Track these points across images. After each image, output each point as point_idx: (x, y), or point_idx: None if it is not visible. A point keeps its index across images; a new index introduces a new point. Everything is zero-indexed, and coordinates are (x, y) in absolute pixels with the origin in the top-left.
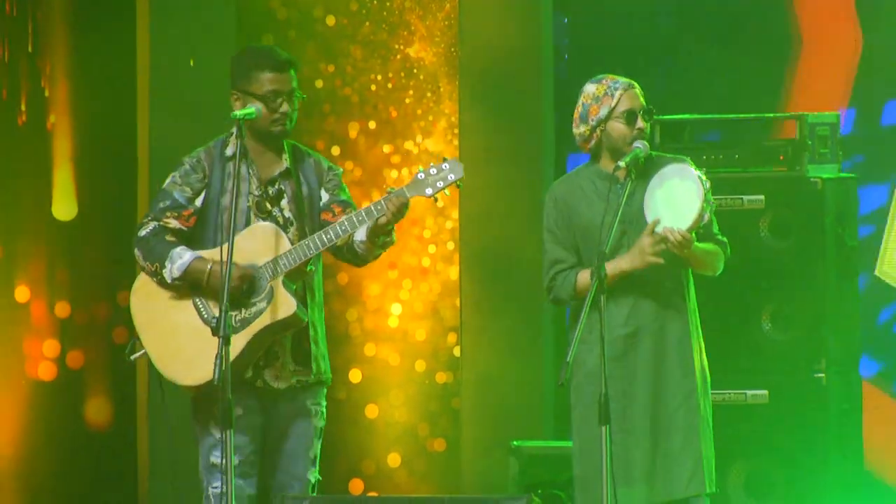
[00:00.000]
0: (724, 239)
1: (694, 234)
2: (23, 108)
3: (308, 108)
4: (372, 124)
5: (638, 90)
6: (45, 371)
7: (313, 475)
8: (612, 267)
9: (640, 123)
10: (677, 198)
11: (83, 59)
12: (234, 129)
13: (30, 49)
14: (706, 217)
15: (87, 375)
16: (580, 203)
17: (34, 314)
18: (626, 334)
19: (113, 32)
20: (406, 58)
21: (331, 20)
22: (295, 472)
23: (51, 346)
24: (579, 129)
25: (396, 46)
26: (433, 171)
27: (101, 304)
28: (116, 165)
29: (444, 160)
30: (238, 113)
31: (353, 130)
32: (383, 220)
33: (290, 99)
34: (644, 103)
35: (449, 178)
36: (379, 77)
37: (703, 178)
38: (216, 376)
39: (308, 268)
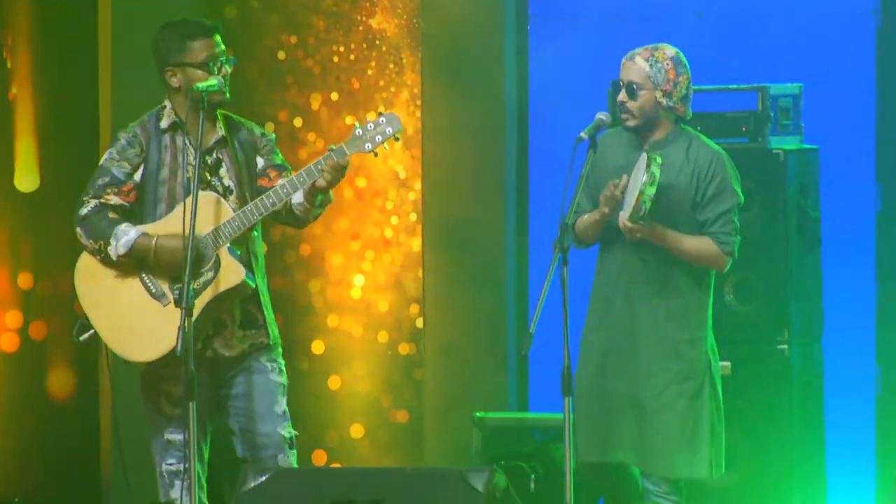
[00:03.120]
0: (732, 239)
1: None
2: None
3: (270, 79)
4: (334, 96)
5: (635, 64)
6: (8, 342)
7: (286, 430)
8: (590, 213)
9: (621, 97)
10: (633, 185)
11: (44, 30)
12: (167, 102)
13: None
14: (642, 210)
15: (50, 347)
16: (606, 158)
17: None
18: (606, 297)
19: (74, 3)
20: (368, 29)
21: None
22: (265, 430)
23: (13, 318)
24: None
25: (359, 18)
26: (370, 125)
27: (64, 276)
28: (79, 137)
29: (380, 114)
30: (201, 85)
31: (315, 102)
32: (322, 181)
33: (225, 63)
34: (634, 79)
35: (387, 131)
36: (341, 48)
37: (654, 169)
38: (179, 347)
39: (253, 233)
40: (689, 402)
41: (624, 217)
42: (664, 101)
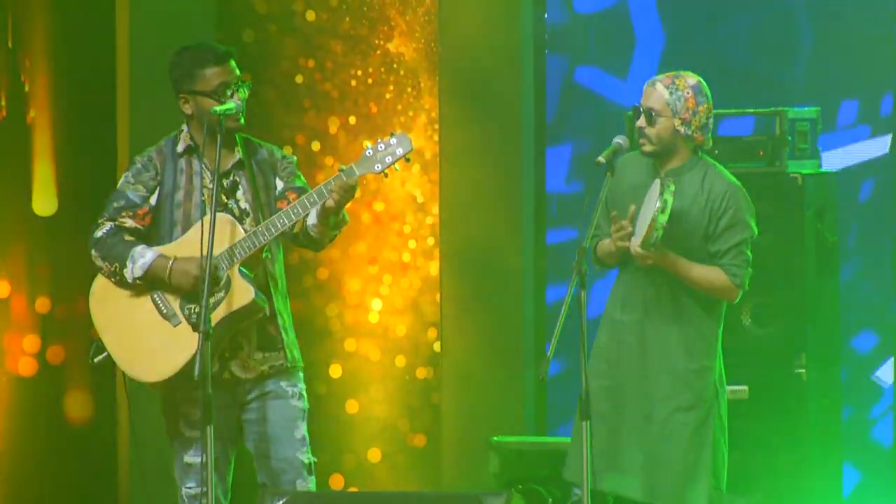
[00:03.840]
0: (743, 272)
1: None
2: (2, 102)
3: (288, 103)
4: (352, 119)
5: (655, 91)
6: (26, 367)
7: (306, 456)
8: (609, 242)
9: (640, 122)
10: (645, 212)
11: (63, 53)
12: (184, 126)
13: (9, 44)
14: (654, 237)
15: (68, 371)
16: (623, 181)
17: (14, 309)
18: (622, 321)
19: (93, 27)
20: (386, 53)
21: (311, 15)
22: (285, 455)
23: (31, 342)
24: None
25: (376, 42)
26: (381, 146)
27: (81, 300)
28: (96, 160)
29: (392, 135)
30: (218, 108)
31: (333, 126)
32: (331, 201)
33: (238, 89)
34: (652, 105)
35: (397, 152)
36: (359, 72)
37: (667, 196)
38: (197, 370)
39: (264, 254)
40: (693, 432)
41: (635, 243)
42: (682, 130)
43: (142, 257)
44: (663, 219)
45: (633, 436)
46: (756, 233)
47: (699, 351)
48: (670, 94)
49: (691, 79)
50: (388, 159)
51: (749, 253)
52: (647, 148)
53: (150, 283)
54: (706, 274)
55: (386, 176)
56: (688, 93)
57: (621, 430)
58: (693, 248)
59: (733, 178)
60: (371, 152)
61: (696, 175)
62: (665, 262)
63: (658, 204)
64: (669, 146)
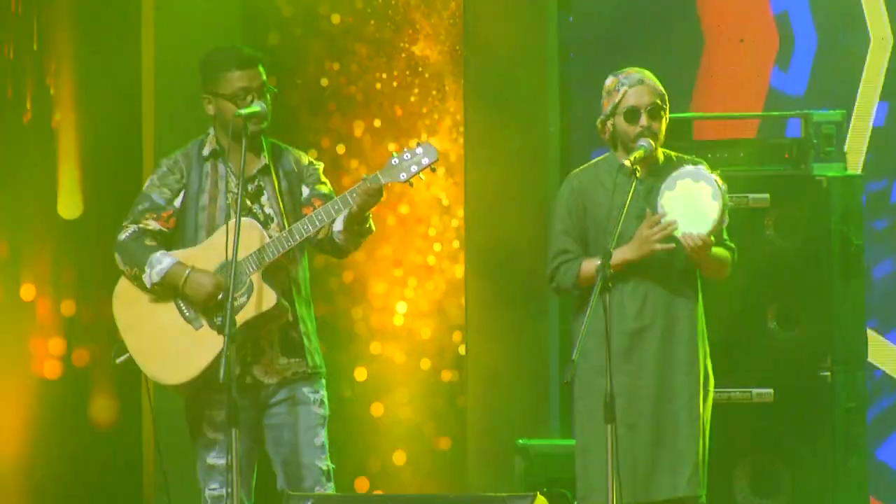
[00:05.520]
0: (733, 244)
1: (712, 238)
2: (28, 106)
3: (313, 106)
4: (377, 123)
5: (648, 86)
6: (51, 369)
7: (325, 463)
8: (617, 256)
9: (644, 121)
10: (692, 201)
11: (88, 57)
12: (211, 130)
13: (35, 47)
14: (726, 221)
15: (93, 374)
16: (598, 194)
17: (40, 312)
18: (636, 329)
19: (118, 30)
20: (411, 56)
21: (336, 18)
22: (304, 461)
23: (56, 345)
24: (597, 121)
25: (401, 45)
26: (406, 155)
27: (106, 303)
28: (121, 163)
29: (418, 144)
30: (243, 111)
31: (358, 129)
32: (355, 208)
33: (260, 95)
34: (655, 100)
35: (423, 161)
36: (384, 75)
37: (720, 181)
38: (222, 374)
39: (287, 260)
40: (700, 419)
41: (701, 235)
42: (666, 118)
43: (159, 263)
44: (727, 199)
45: (652, 438)
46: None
47: (697, 339)
48: (659, 86)
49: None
50: (414, 168)
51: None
52: (654, 144)
53: (167, 289)
54: (720, 254)
55: (411, 185)
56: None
57: (636, 442)
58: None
59: (693, 158)
60: (396, 161)
61: (675, 164)
62: (711, 250)
63: (718, 192)
64: (661, 140)
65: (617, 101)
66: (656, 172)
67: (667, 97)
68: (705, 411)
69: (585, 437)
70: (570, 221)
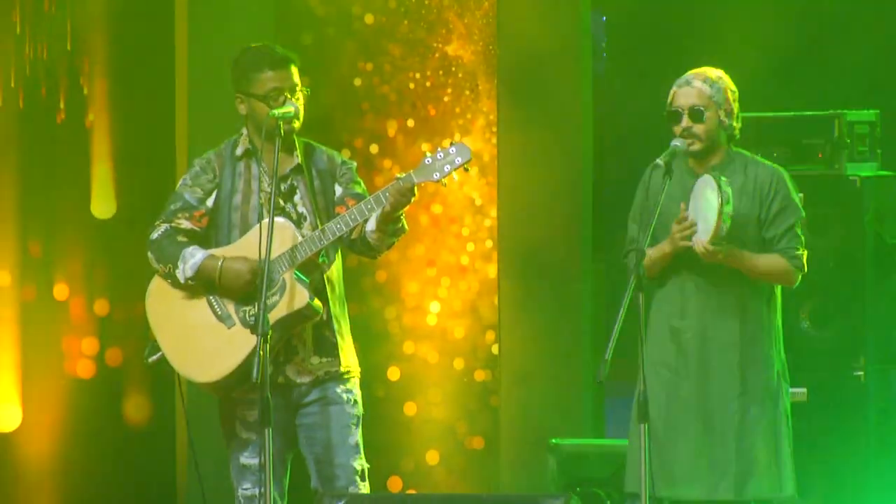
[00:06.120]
0: (800, 253)
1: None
2: (61, 106)
3: (346, 106)
4: (410, 122)
5: (694, 88)
6: (84, 369)
7: (358, 462)
8: (657, 249)
9: (685, 122)
10: (704, 208)
11: (122, 57)
12: (244, 130)
13: (68, 47)
14: (724, 230)
15: (126, 373)
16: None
17: (73, 312)
18: (680, 327)
19: (151, 30)
20: (444, 56)
21: (369, 18)
22: (338, 461)
23: (90, 344)
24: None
25: (435, 44)
26: (440, 155)
27: (139, 302)
28: (155, 163)
29: (451, 143)
30: (276, 111)
31: (391, 129)
32: (388, 207)
33: (293, 95)
34: (696, 102)
35: (456, 161)
36: (417, 75)
37: (725, 188)
38: (255, 373)
39: (320, 259)
40: (770, 421)
41: (703, 241)
42: (726, 121)
43: (192, 257)
44: (728, 209)
45: (692, 440)
46: (804, 213)
47: (762, 342)
48: (710, 87)
49: (717, 71)
50: (447, 168)
51: (802, 234)
52: (696, 146)
53: (203, 284)
54: (769, 261)
55: (444, 185)
56: (722, 83)
57: (679, 435)
58: (748, 240)
59: (773, 163)
60: (430, 160)
61: (738, 167)
62: (732, 257)
63: (720, 197)
64: (715, 141)
65: (668, 101)
66: (718, 169)
67: (729, 96)
68: (777, 407)
69: (632, 429)
70: (643, 211)
